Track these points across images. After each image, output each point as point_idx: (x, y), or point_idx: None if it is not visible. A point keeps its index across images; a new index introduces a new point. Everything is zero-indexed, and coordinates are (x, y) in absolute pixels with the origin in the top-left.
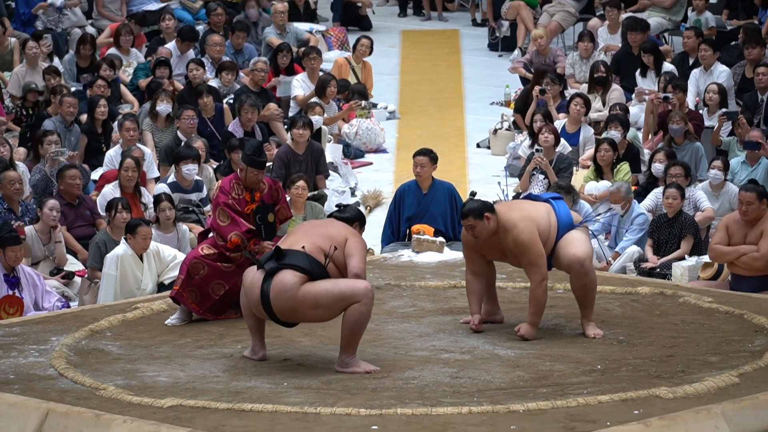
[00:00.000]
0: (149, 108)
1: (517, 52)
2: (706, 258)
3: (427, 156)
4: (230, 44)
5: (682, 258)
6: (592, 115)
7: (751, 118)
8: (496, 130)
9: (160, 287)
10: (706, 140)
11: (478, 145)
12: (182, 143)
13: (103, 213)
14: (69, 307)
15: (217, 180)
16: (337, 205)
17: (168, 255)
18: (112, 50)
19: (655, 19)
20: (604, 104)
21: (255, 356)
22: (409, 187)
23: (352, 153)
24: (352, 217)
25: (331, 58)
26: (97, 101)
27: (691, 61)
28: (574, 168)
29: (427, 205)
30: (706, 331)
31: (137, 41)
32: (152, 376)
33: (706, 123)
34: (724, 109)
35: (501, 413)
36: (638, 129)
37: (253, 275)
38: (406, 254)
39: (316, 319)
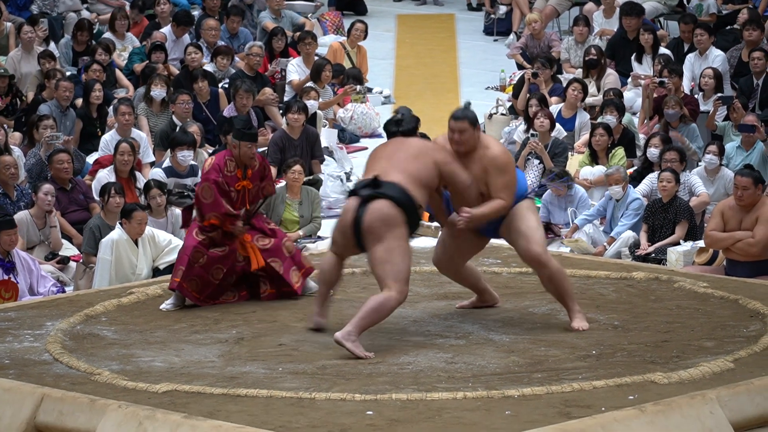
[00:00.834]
0: (144, 93)
1: (512, 36)
2: (701, 243)
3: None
4: (225, 28)
5: (677, 243)
6: (588, 100)
7: (747, 102)
8: (491, 115)
9: (155, 272)
10: (701, 125)
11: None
12: (177, 128)
13: (97, 198)
14: (64, 292)
15: None
16: (388, 123)
17: (163, 240)
18: (107, 35)
19: (650, 4)
20: (598, 89)
21: (311, 324)
22: None
23: (348, 137)
24: (412, 128)
25: (327, 43)
26: (92, 86)
27: (686, 46)
28: (569, 153)
29: None
30: (701, 316)
31: (137, 27)
32: (147, 362)
33: (702, 108)
34: (719, 94)
35: (496, 398)
36: (633, 114)
37: (349, 202)
38: None
39: (372, 256)
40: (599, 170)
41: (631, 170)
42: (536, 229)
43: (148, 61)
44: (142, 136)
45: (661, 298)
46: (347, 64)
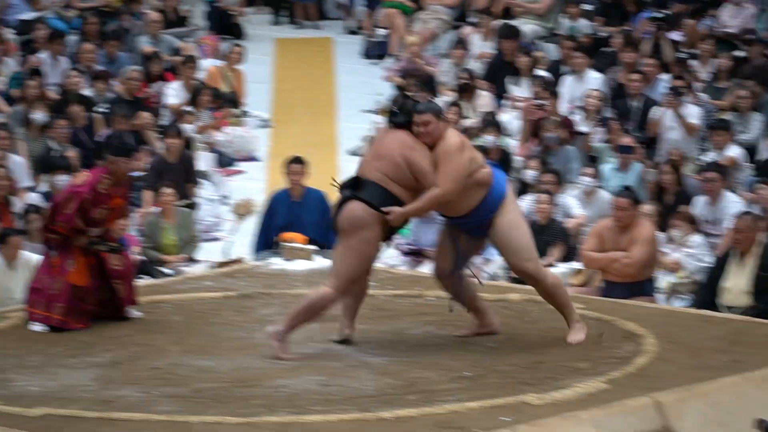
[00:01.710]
0: (22, 116)
1: (390, 59)
2: (577, 264)
3: (301, 164)
4: (104, 53)
5: (553, 265)
6: (466, 122)
7: (623, 124)
8: (369, 138)
9: None
10: (578, 147)
11: (350, 153)
12: (54, 152)
13: None
14: None
15: None
16: (391, 110)
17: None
18: None
19: (528, 26)
20: (473, 111)
21: (337, 337)
22: (281, 195)
23: (225, 161)
24: (408, 119)
25: (205, 67)
26: None
27: (564, 69)
28: None
29: (299, 213)
30: None
31: (7, 49)
32: (22, 386)
33: (580, 129)
34: (596, 115)
35: (370, 420)
36: (508, 136)
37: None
38: (276, 262)
39: (337, 247)
40: None
41: None
42: (523, 239)
43: (25, 85)
44: (19, 160)
45: (536, 319)
46: (225, 88)
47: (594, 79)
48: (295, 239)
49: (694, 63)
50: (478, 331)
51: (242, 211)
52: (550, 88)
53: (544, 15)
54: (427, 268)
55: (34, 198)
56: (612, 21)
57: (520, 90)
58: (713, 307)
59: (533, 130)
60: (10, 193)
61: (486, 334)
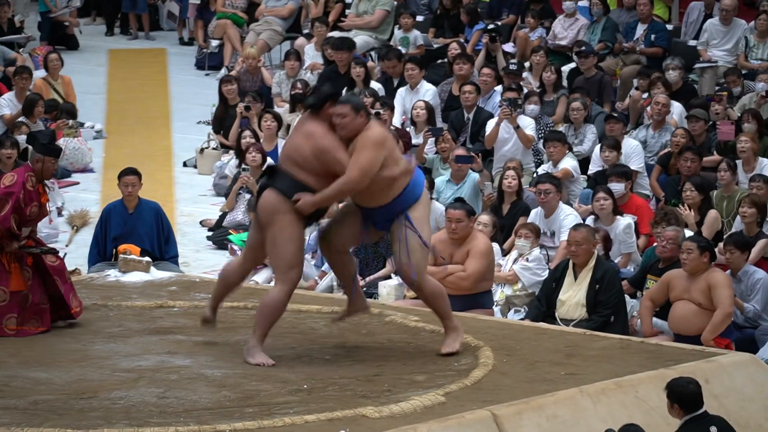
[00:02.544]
0: None
1: (224, 70)
2: None
3: (135, 175)
4: None
5: (389, 277)
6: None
7: (457, 136)
8: (202, 149)
9: None
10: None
11: (185, 164)
12: None
13: None
14: None
15: None
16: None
17: None
18: None
19: (361, 38)
20: None
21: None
22: (115, 206)
23: (60, 172)
24: (316, 102)
25: (38, 77)
26: None
27: (396, 81)
28: None
29: (134, 224)
30: (412, 350)
31: None
32: None
33: (413, 141)
34: (428, 127)
35: None
36: None
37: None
38: (112, 274)
39: (266, 248)
40: None
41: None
42: (416, 249)
43: None
44: None
45: (372, 332)
46: (56, 98)
47: (428, 91)
48: (131, 251)
49: (526, 74)
50: (350, 312)
51: (77, 222)
52: (383, 100)
53: (377, 27)
54: (262, 278)
55: None
56: (444, 32)
57: None
58: (549, 319)
59: None
60: None
61: (356, 313)
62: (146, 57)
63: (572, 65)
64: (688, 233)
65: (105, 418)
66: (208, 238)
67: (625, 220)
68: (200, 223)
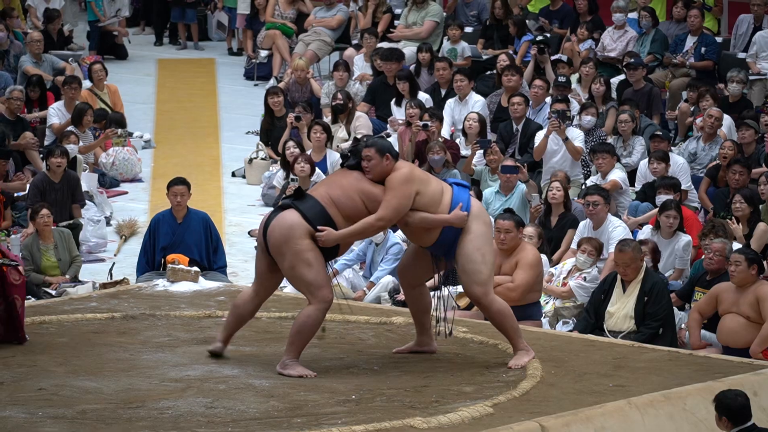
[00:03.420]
0: None
1: (272, 80)
2: (461, 288)
3: (184, 185)
4: None
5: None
6: (343, 145)
7: (506, 147)
8: (251, 160)
9: None
10: (460, 170)
11: (233, 174)
12: None
13: None
14: None
15: None
16: (343, 154)
17: None
18: None
19: (410, 49)
20: (349, 134)
21: (211, 347)
22: (163, 216)
23: (108, 182)
24: (358, 164)
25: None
26: None
27: (444, 91)
28: None
29: (182, 234)
30: (460, 361)
31: None
32: None
33: (462, 152)
34: (477, 138)
35: None
36: None
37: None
38: (161, 284)
39: (284, 274)
40: None
41: None
42: (480, 264)
43: None
44: None
45: None
46: (104, 107)
47: (477, 103)
48: (179, 260)
49: (575, 86)
50: (416, 349)
51: (126, 231)
52: (431, 111)
53: (426, 38)
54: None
55: None
56: (493, 44)
57: (401, 112)
58: (597, 331)
59: (417, 152)
60: None
61: (422, 353)
62: (195, 67)
63: (621, 77)
64: (737, 246)
65: (153, 428)
66: (257, 248)
67: (686, 238)
68: (248, 233)
